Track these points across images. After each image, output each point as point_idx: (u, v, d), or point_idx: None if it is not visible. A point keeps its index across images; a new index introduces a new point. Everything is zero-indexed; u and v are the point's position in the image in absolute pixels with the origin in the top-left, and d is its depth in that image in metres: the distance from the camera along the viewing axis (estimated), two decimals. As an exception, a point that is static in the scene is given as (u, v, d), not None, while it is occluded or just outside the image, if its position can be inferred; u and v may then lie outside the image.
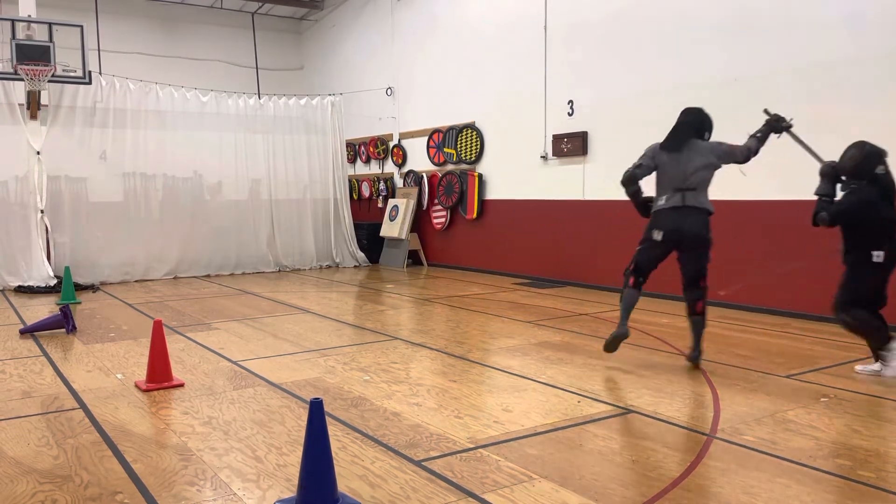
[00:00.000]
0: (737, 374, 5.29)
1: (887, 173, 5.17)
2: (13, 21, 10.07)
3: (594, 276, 9.84)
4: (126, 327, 7.43)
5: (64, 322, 7.04)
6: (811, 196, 5.39)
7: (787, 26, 7.47)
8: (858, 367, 5.33)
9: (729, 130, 7.93)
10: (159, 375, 5.08)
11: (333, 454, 3.16)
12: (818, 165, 5.38)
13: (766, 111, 5.63)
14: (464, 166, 12.20)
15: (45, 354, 6.16)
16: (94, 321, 7.78)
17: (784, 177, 7.21)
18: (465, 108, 12.07)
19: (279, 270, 12.65)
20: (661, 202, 5.46)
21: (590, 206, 9.85)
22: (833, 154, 5.34)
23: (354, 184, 14.97)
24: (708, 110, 5.68)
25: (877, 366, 5.24)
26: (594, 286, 9.78)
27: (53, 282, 10.28)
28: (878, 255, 5.12)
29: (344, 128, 13.60)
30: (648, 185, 5.56)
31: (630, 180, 5.53)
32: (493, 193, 11.69)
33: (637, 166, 5.55)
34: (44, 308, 8.72)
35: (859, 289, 5.26)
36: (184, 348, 6.33)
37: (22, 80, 10.04)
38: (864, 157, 5.16)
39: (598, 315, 7.84)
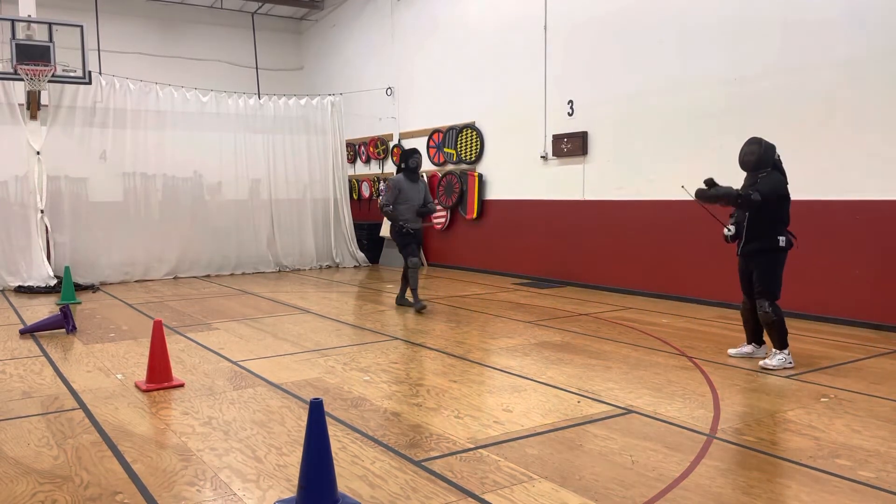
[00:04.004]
0: (737, 374, 5.29)
1: (780, 160, 5.58)
2: (13, 21, 10.07)
3: (594, 276, 9.84)
4: (126, 327, 7.43)
5: (64, 322, 7.04)
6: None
7: (787, 26, 7.47)
8: (731, 351, 5.86)
9: (729, 130, 7.98)
10: (159, 376, 5.08)
11: (333, 454, 3.16)
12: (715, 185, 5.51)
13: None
14: (464, 166, 12.20)
15: (45, 354, 6.16)
16: (94, 321, 7.78)
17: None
18: (465, 108, 12.07)
19: (279, 270, 12.65)
20: None
21: (589, 206, 9.85)
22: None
23: (354, 184, 14.97)
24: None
25: (749, 348, 5.75)
26: (594, 286, 9.78)
27: (53, 282, 10.28)
28: (782, 240, 5.43)
29: (344, 128, 13.60)
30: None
31: None
32: (493, 193, 11.69)
33: None
34: (44, 308, 8.72)
35: (776, 279, 5.52)
36: (184, 348, 6.33)
37: (22, 80, 10.04)
38: (765, 150, 5.48)
39: (598, 315, 7.84)
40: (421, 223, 8.46)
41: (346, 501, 3.08)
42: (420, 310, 8.17)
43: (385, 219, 8.66)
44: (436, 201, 12.89)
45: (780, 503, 3.12)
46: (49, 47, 10.03)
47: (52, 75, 10.13)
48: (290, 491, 3.26)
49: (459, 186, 12.16)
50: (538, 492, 3.24)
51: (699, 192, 5.49)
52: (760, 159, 5.48)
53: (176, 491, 3.30)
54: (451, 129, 12.37)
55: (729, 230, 5.63)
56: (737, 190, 5.42)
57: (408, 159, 8.34)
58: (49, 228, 10.79)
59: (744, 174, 5.66)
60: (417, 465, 3.57)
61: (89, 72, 10.64)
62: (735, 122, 7.92)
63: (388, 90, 13.83)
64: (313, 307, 8.62)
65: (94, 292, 10.12)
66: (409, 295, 8.56)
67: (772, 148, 5.53)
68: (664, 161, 8.77)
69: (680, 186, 6.10)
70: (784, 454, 3.68)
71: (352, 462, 3.61)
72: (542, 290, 9.84)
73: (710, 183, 5.43)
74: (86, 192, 11.15)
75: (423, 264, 8.18)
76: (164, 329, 5.53)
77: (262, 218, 12.65)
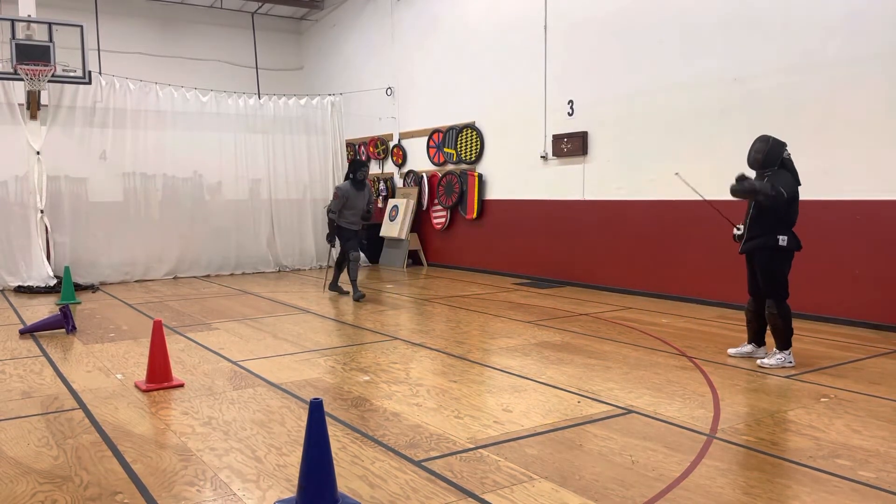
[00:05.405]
0: (737, 374, 5.29)
1: (790, 159, 5.52)
2: (13, 21, 10.06)
3: (594, 276, 9.84)
4: (126, 327, 7.43)
5: (64, 322, 7.04)
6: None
7: (787, 26, 7.47)
8: (731, 351, 5.85)
9: (729, 130, 7.98)
10: (159, 376, 5.08)
11: (333, 454, 3.16)
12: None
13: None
14: (464, 166, 12.20)
15: (45, 354, 6.16)
16: (94, 321, 7.78)
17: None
18: (465, 108, 12.07)
19: (279, 270, 12.65)
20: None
21: (589, 206, 9.85)
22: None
23: (354, 184, 14.95)
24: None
25: (749, 347, 5.74)
26: (594, 286, 9.78)
27: (53, 282, 10.28)
28: (783, 239, 5.37)
29: (344, 128, 13.60)
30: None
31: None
32: (493, 193, 11.69)
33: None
34: (44, 308, 8.72)
35: (780, 279, 5.49)
36: (184, 348, 6.33)
37: (22, 80, 10.04)
38: (771, 147, 5.44)
39: (598, 315, 7.84)
40: (361, 225, 9.59)
41: (346, 501, 3.08)
42: (359, 299, 8.98)
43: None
44: (436, 201, 12.96)
45: (780, 503, 3.12)
46: (49, 47, 10.02)
47: (52, 75, 10.12)
48: (290, 491, 3.26)
49: (459, 186, 12.16)
50: (538, 492, 3.24)
51: (735, 187, 5.38)
52: (767, 157, 5.44)
53: (176, 491, 3.30)
54: (450, 129, 12.36)
55: (738, 229, 5.67)
56: (770, 184, 5.34)
57: (356, 171, 9.22)
58: (49, 228, 10.79)
59: (752, 173, 5.62)
60: (417, 465, 3.57)
61: (89, 72, 10.63)
62: (735, 121, 7.92)
63: (388, 90, 13.83)
64: (313, 307, 8.62)
65: (93, 292, 10.12)
66: (343, 283, 9.80)
67: (780, 146, 5.47)
68: (664, 161, 8.76)
69: (674, 174, 6.11)
70: (784, 454, 3.68)
71: (352, 462, 3.61)
72: (542, 290, 9.84)
73: (741, 178, 5.37)
74: (86, 192, 11.14)
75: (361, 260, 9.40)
76: (164, 329, 5.53)
77: (261, 218, 12.65)
